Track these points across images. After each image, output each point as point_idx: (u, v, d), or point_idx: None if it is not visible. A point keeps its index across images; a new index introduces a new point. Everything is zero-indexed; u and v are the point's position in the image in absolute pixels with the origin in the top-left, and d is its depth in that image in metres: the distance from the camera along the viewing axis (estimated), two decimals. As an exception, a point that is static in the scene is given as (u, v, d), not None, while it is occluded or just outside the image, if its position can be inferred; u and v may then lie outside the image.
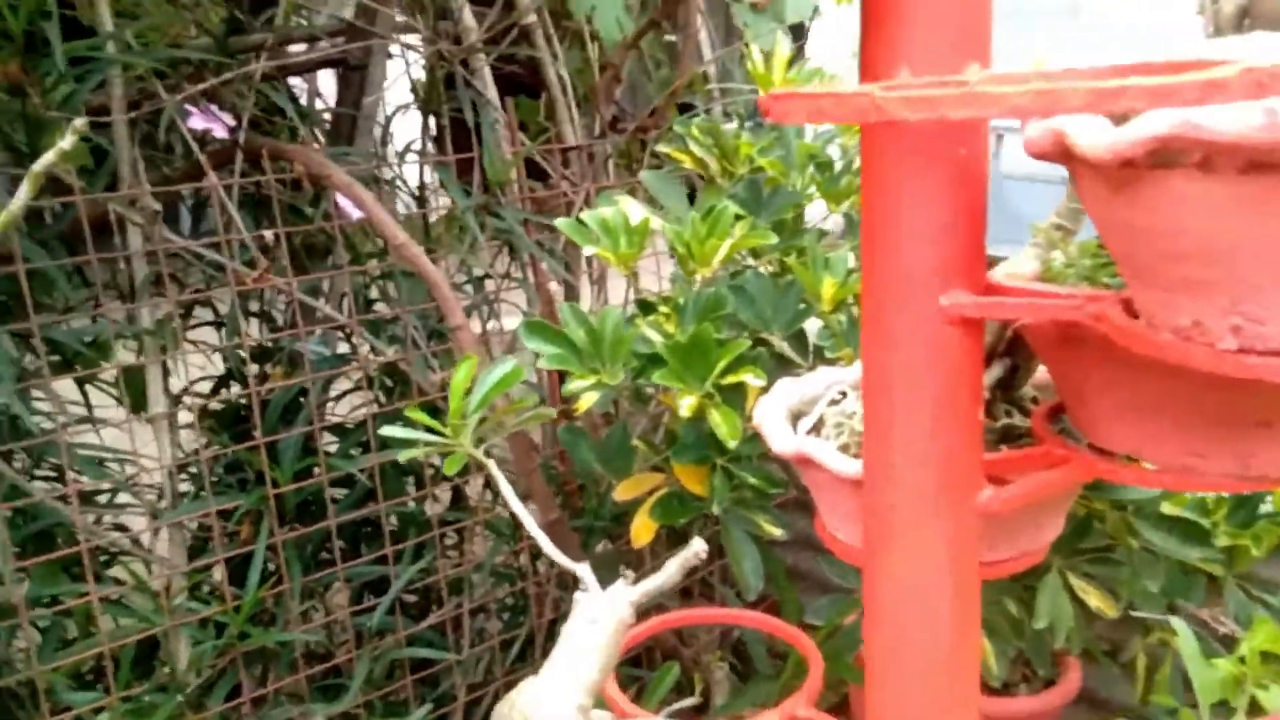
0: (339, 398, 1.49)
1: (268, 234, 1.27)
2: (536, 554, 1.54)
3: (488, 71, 1.54)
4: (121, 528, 1.45)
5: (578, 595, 0.76)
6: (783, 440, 0.80)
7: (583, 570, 0.79)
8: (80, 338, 1.22)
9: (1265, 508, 1.02)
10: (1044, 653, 1.13)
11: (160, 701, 1.24)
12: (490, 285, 1.44)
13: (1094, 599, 1.04)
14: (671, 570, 0.77)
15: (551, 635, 1.37)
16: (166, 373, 1.30)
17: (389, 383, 1.50)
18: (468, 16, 1.44)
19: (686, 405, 0.93)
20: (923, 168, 0.54)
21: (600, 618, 0.74)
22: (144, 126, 1.18)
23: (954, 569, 0.63)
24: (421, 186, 1.35)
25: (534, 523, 0.82)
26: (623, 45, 1.47)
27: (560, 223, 1.02)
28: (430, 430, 0.86)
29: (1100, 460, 0.64)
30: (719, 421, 0.94)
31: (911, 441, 0.60)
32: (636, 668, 1.60)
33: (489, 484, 1.59)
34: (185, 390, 1.61)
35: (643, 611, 0.85)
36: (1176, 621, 0.84)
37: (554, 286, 1.61)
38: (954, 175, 0.54)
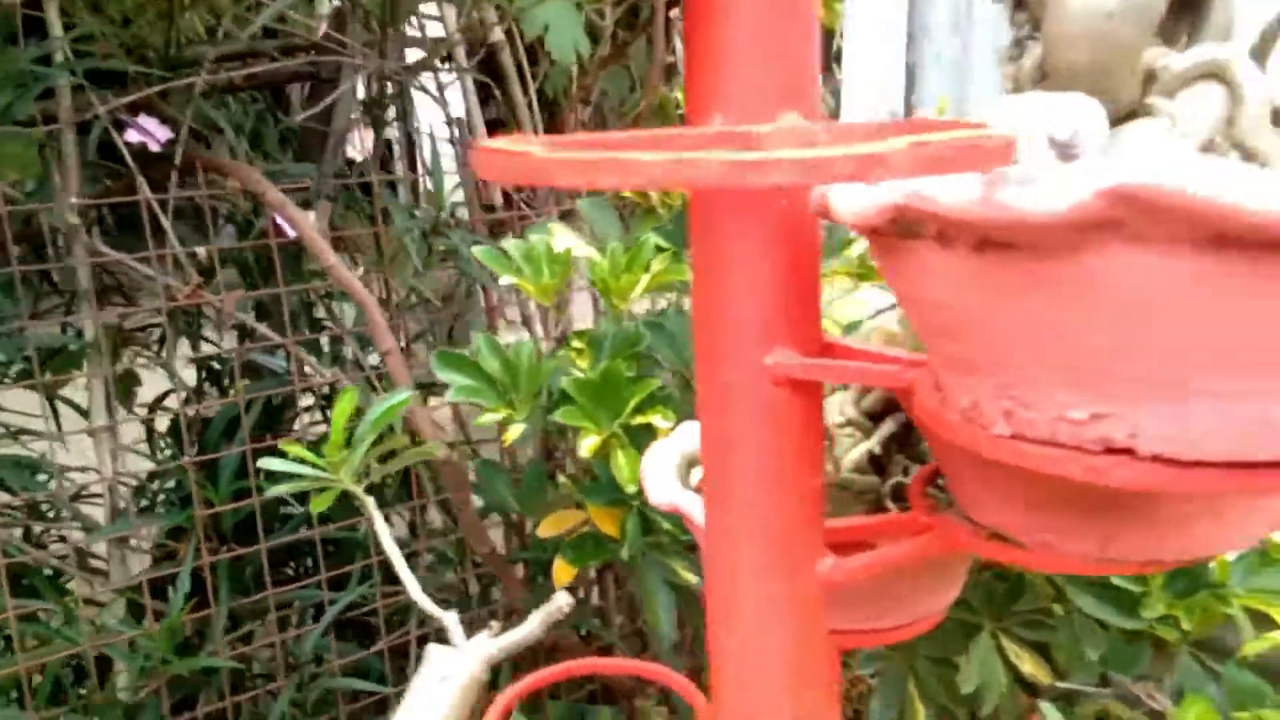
0: (293, 418, 1.47)
1: (201, 251, 1.25)
2: (486, 582, 1.51)
3: (469, 86, 1.52)
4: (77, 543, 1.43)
5: (430, 646, 0.72)
6: (659, 490, 0.76)
7: (449, 620, 0.76)
8: (15, 348, 1.20)
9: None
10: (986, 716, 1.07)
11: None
12: (444, 307, 1.41)
13: (1027, 665, 0.98)
14: (534, 624, 0.73)
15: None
16: (107, 386, 1.29)
17: (343, 403, 1.47)
18: (432, 28, 1.42)
19: (587, 446, 0.89)
20: (741, 219, 0.50)
21: (453, 674, 0.71)
22: (79, 137, 1.16)
23: (793, 638, 0.58)
24: (373, 205, 1.33)
25: (404, 564, 0.79)
26: (595, 65, 1.44)
27: (478, 251, 0.99)
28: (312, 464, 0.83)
29: (965, 531, 0.60)
30: (621, 464, 0.90)
31: (744, 505, 0.56)
32: (593, 703, 1.56)
33: (446, 508, 1.56)
34: (156, 404, 1.60)
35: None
36: (1046, 707, 0.78)
37: (533, 309, 1.58)
38: (775, 227, 0.50)
